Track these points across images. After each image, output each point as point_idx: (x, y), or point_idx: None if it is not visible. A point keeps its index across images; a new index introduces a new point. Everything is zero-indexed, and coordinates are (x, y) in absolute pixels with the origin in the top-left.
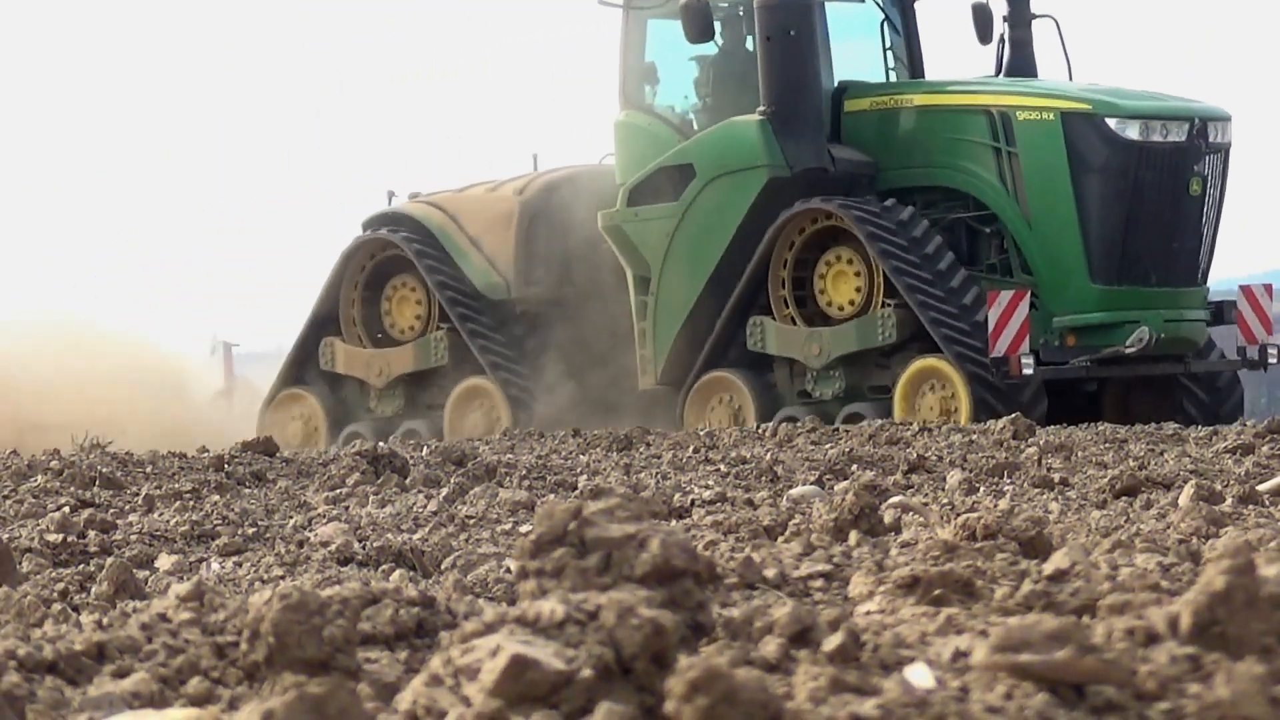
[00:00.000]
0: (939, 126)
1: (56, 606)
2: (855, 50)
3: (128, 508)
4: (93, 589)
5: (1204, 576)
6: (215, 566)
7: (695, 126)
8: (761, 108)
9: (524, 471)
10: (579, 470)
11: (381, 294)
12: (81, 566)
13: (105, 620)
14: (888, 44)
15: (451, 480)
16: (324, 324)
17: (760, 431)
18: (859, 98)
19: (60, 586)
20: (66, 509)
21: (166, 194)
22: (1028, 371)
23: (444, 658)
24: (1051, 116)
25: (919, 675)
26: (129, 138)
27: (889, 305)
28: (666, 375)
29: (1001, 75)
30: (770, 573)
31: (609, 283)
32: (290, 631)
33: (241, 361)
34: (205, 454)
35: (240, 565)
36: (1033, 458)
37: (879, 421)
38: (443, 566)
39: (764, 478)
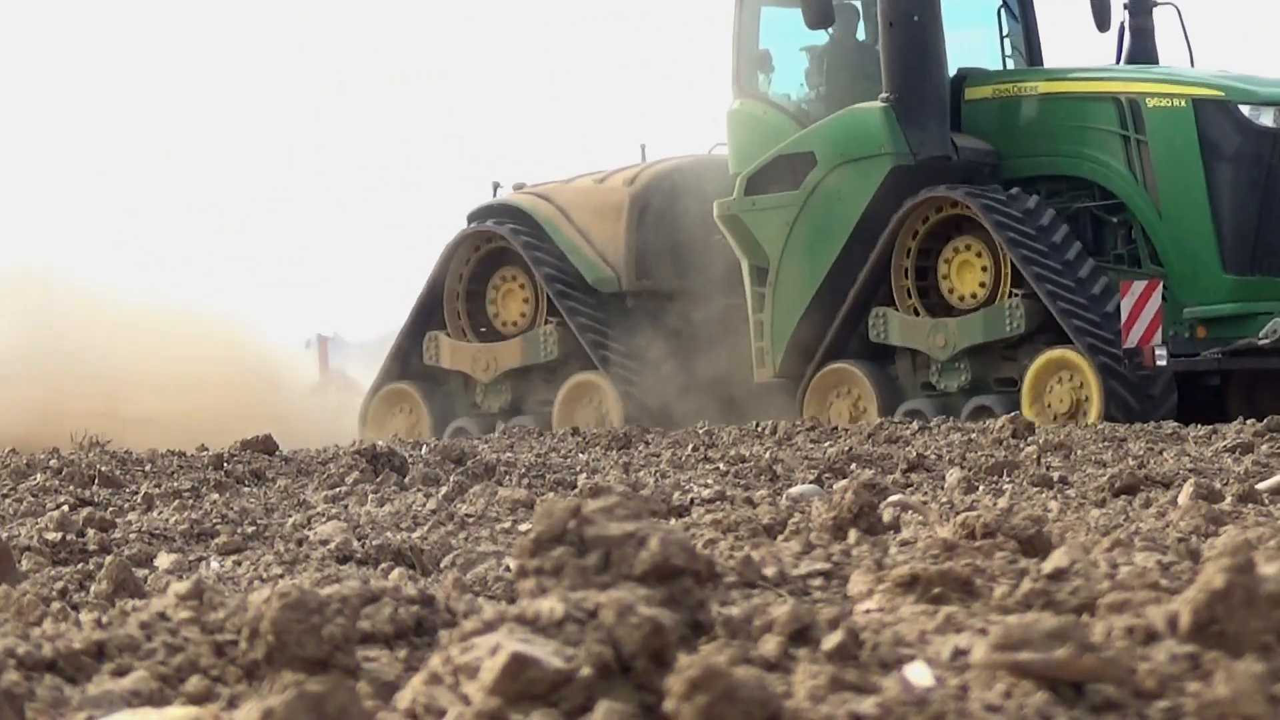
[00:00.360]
0: (1064, 114)
1: (56, 605)
2: (971, 38)
3: (127, 506)
4: (92, 587)
5: (1203, 575)
6: (214, 565)
7: (811, 115)
8: (884, 94)
9: (523, 470)
10: (578, 469)
11: (486, 287)
12: (81, 565)
13: (104, 619)
14: (1005, 31)
15: (450, 479)
16: (428, 317)
17: (759, 430)
18: (980, 85)
19: (59, 585)
20: (66, 507)
21: (266, 180)
22: (1161, 363)
23: (443, 656)
24: (1183, 103)
25: (918, 674)
26: (234, 123)
27: (1016, 295)
28: (784, 368)
29: (1122, 63)
30: (769, 571)
31: (722, 274)
32: (289, 630)
33: (337, 353)
34: (205, 453)
35: (239, 564)
36: (1032, 456)
37: (877, 420)
38: (442, 565)
39: (763, 476)
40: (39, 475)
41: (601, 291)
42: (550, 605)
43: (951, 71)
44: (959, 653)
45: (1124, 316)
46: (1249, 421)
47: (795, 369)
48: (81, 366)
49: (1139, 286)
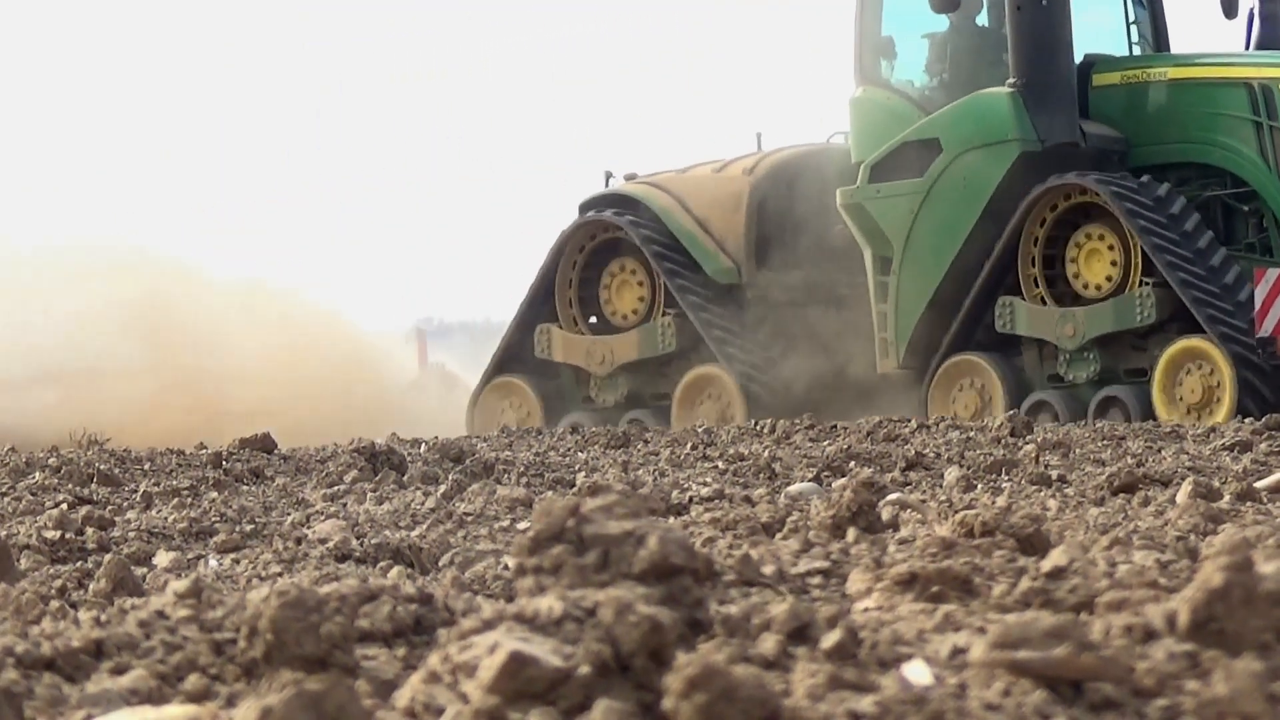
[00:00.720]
0: (1194, 101)
1: (54, 603)
2: (1097, 24)
3: (126, 504)
4: (91, 586)
5: (1202, 573)
6: (213, 563)
7: (934, 102)
8: (1011, 80)
9: (522, 469)
10: (577, 467)
11: (599, 278)
12: (79, 563)
13: (103, 617)
14: (1132, 18)
15: (449, 477)
16: (538, 309)
17: (757, 428)
18: (1108, 71)
19: (58, 583)
20: (64, 506)
21: (365, 169)
22: None
23: (442, 655)
24: None
25: (917, 672)
26: (343, 114)
27: (1147, 284)
28: (909, 359)
29: (1251, 49)
30: (768, 570)
31: (845, 264)
32: (288, 628)
33: (437, 343)
34: (203, 451)
35: (238, 562)
36: (1030, 455)
37: (875, 419)
38: (440, 563)
39: (762, 475)
40: (38, 473)
41: (720, 282)
42: (549, 604)
43: (1078, 58)
44: (957, 651)
45: (1258, 305)
46: (1247, 420)
47: (919, 360)
48: (181, 360)
49: (1273, 274)
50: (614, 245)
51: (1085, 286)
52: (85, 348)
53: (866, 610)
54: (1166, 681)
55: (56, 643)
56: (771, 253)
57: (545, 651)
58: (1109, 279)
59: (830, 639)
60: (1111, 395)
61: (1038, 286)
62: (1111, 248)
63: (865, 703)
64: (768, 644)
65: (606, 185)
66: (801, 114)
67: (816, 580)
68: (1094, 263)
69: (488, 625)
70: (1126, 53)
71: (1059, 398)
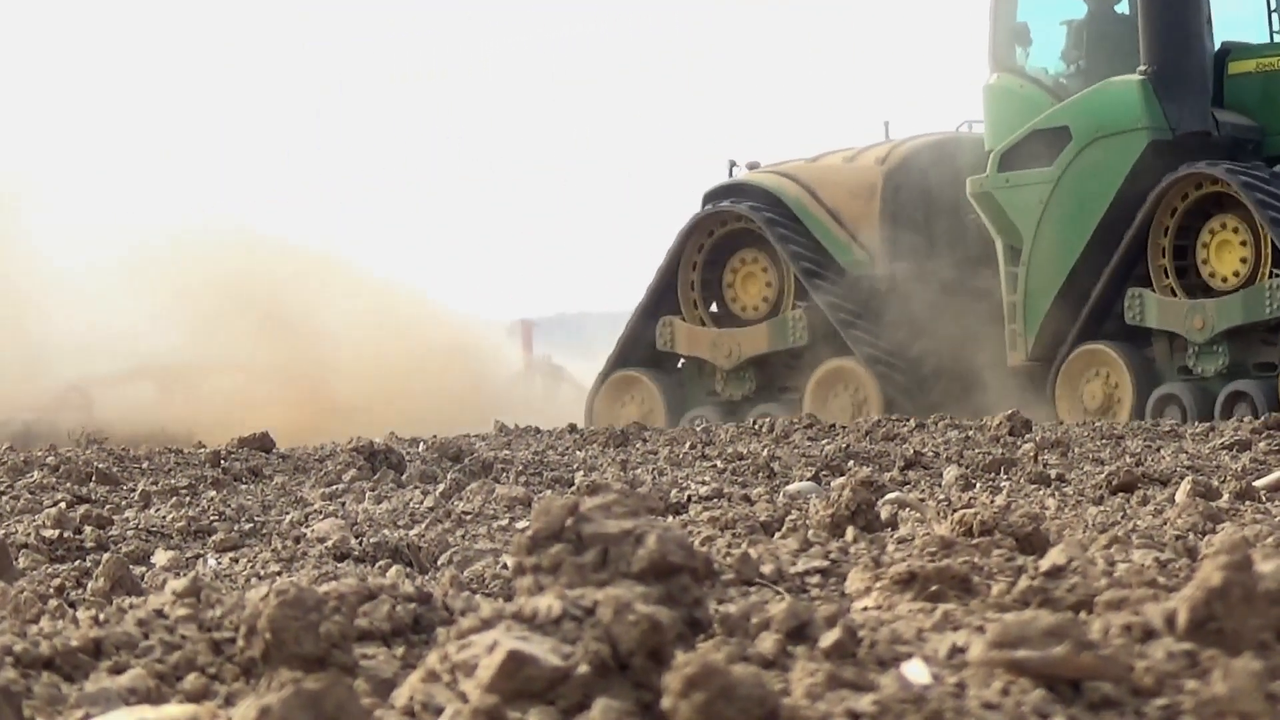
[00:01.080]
0: None
1: (53, 602)
2: (1236, 11)
3: (124, 503)
4: (89, 585)
5: (1201, 572)
6: (212, 562)
7: (1069, 89)
8: (1142, 67)
9: (520, 467)
10: (575, 466)
11: (723, 270)
12: (78, 562)
13: (102, 616)
14: (1273, 4)
15: (448, 476)
16: (660, 301)
17: (756, 427)
18: (1244, 59)
19: (57, 582)
20: (63, 504)
21: (469, 160)
22: None
23: (441, 654)
24: None
25: (916, 671)
26: (458, 109)
27: (1277, 276)
28: (1037, 351)
29: None
30: (767, 569)
31: (977, 255)
32: (287, 628)
33: (543, 337)
34: (201, 450)
35: (237, 561)
36: (1029, 454)
37: (875, 418)
38: (439, 562)
39: (761, 474)
40: (36, 472)
41: (852, 273)
42: (548, 603)
43: (1215, 45)
44: (956, 650)
45: None
46: (1246, 419)
47: (1048, 352)
48: (287, 351)
49: None
50: (738, 236)
51: (1215, 278)
52: (190, 342)
53: (865, 609)
54: (1165, 681)
55: (55, 642)
56: (905, 243)
57: (544, 650)
58: (1238, 271)
59: (829, 638)
60: (1239, 390)
61: (1167, 277)
62: (1243, 240)
63: (864, 702)
64: (766, 643)
65: (730, 175)
66: (928, 102)
67: (815, 579)
68: (1224, 254)
69: (486, 624)
70: (1268, 40)
71: (1187, 391)
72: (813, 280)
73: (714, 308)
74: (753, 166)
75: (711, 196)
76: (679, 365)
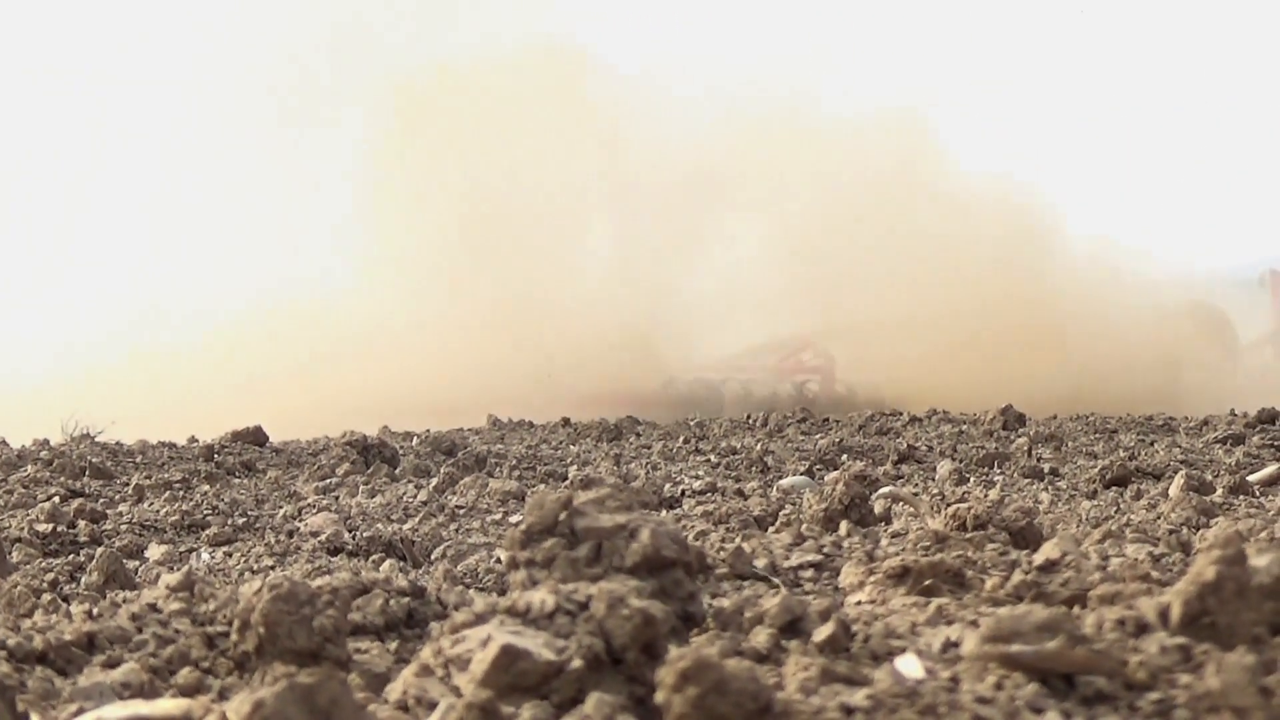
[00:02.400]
0: None
1: (47, 596)
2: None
3: (118, 498)
4: (83, 579)
5: (1194, 567)
6: (205, 556)
7: None
8: None
9: (514, 461)
10: (569, 460)
11: None
12: (71, 556)
13: (95, 610)
14: None
15: (441, 470)
16: None
17: (750, 421)
18: None
19: (50, 576)
20: (57, 499)
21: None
22: None
23: (434, 648)
24: None
25: (909, 665)
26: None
27: None
28: None
29: None
30: (761, 563)
31: None
32: (280, 622)
33: None
34: (195, 444)
35: (230, 555)
36: (1023, 448)
37: (868, 412)
38: (433, 556)
39: (754, 468)
40: (30, 467)
41: None
42: (541, 597)
43: None
44: (950, 644)
45: None
46: (1240, 413)
47: None
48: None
49: None
50: None
51: None
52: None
53: (859, 604)
54: (1159, 675)
55: (48, 636)
56: None
57: (537, 645)
58: None
59: (823, 632)
60: None
61: None
62: None
63: (858, 696)
64: (760, 637)
65: None
66: None
67: (809, 574)
68: None
69: (480, 619)
70: None
71: None
72: None
73: None
74: None
75: None
76: None
